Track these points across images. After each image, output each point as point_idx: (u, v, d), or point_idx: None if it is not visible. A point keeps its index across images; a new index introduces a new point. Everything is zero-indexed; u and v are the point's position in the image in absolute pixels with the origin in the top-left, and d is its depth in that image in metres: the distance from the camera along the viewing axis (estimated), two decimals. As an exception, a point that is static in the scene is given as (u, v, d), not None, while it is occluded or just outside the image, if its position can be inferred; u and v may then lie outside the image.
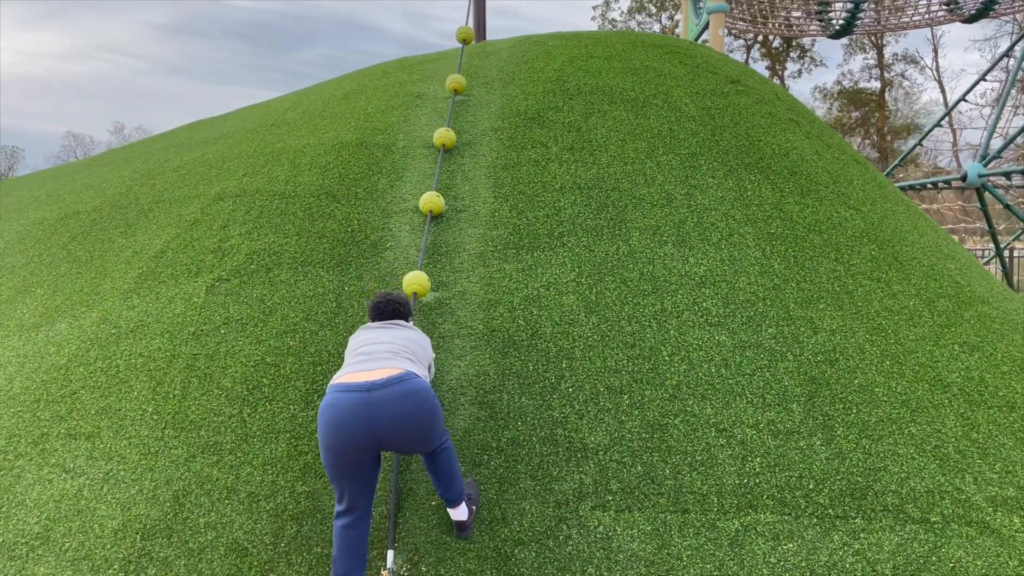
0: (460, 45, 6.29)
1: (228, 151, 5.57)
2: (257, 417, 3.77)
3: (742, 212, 4.74)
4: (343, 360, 3.06)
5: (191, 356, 4.07)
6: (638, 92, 5.53)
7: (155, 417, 3.84)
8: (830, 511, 3.49)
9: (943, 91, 29.09)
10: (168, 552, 3.42)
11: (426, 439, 3.06)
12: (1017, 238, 12.20)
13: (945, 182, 9.08)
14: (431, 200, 4.14)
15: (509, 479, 3.51)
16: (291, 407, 3.78)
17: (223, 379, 3.95)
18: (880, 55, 31.76)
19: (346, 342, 4.03)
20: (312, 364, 3.92)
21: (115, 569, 3.34)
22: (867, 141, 32.62)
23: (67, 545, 3.43)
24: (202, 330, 4.19)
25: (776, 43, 33.06)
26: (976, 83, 10.88)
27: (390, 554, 3.29)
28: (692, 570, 3.28)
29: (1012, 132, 9.80)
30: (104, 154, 7.19)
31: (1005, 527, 3.54)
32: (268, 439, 3.68)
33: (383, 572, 3.26)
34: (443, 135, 4.52)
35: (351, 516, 3.03)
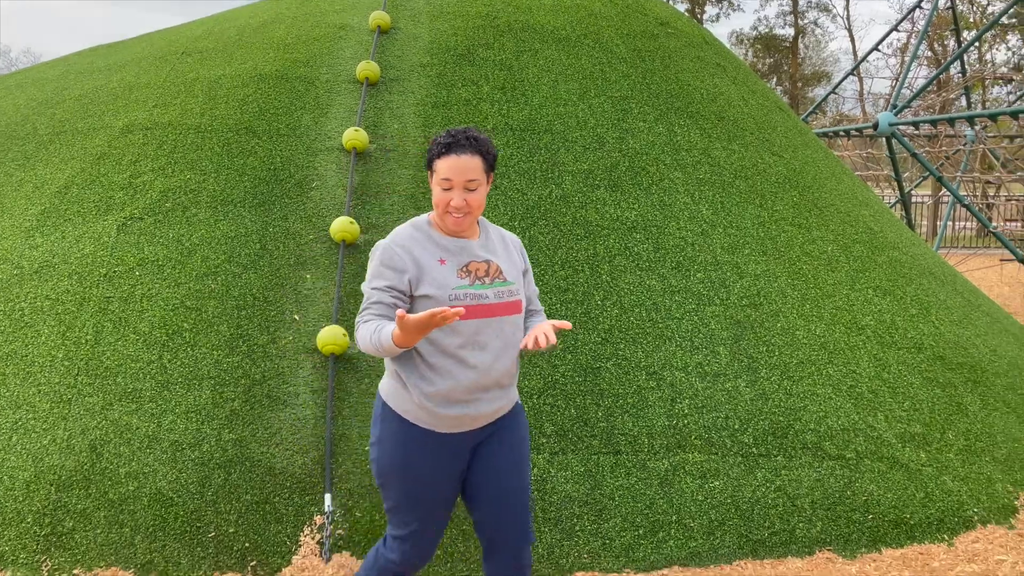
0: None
1: (135, 80, 5.20)
2: (178, 363, 3.61)
3: (672, 157, 4.76)
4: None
5: (103, 299, 3.85)
6: (569, 31, 5.43)
7: (66, 363, 3.64)
8: (754, 450, 3.62)
9: (852, 40, 29.89)
10: (86, 504, 3.28)
11: None
12: (917, 185, 12.78)
13: (857, 130, 9.38)
14: (343, 228, 3.94)
15: (443, 424, 3.50)
16: (215, 352, 3.63)
17: (140, 323, 3.75)
18: (795, 1, 32.28)
19: (271, 285, 3.88)
20: (236, 308, 3.77)
21: (28, 522, 3.19)
22: (780, 88, 33.36)
23: (-26, 500, 3.25)
24: (115, 271, 3.96)
25: (695, -14, 33.13)
26: (888, 33, 11.18)
27: (327, 498, 3.24)
28: (623, 509, 3.36)
29: (919, 83, 10.16)
30: (-7, 79, 6.61)
31: (912, 462, 3.77)
32: (191, 386, 3.54)
33: (317, 517, 3.22)
34: (353, 137, 4.28)
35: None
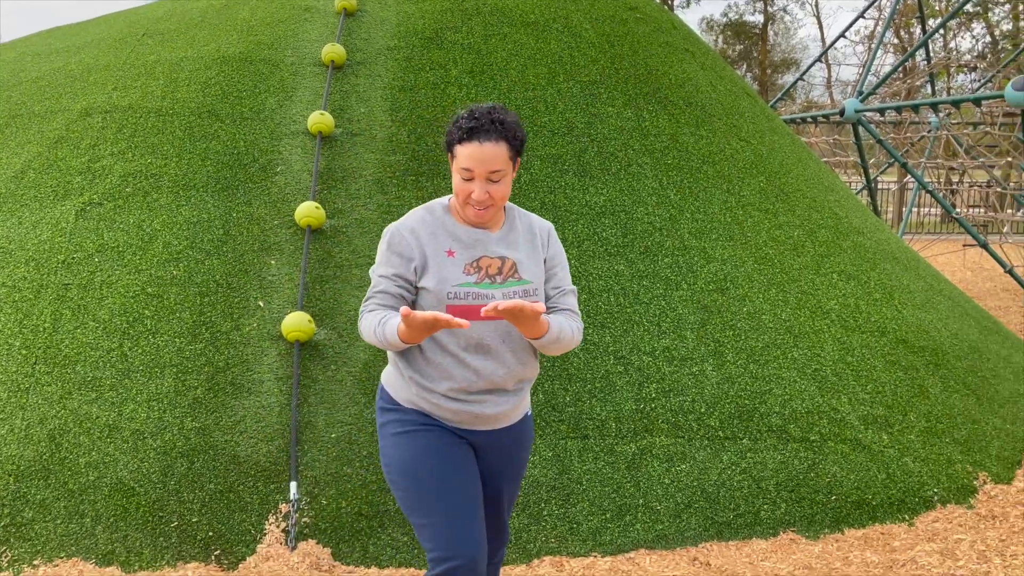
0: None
1: (94, 62, 5.08)
2: (139, 351, 3.55)
3: (640, 142, 4.76)
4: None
5: (62, 286, 3.77)
6: (538, 15, 5.39)
7: (24, 352, 3.56)
8: (720, 433, 3.65)
9: (821, 27, 30.11)
10: (46, 494, 3.22)
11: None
12: (883, 172, 12.95)
13: (824, 116, 9.46)
14: (309, 213, 3.87)
15: (411, 410, 3.47)
16: (177, 340, 3.58)
17: (99, 311, 3.68)
18: (764, -11, 32.41)
19: (235, 271, 3.82)
20: (199, 294, 3.71)
21: (-15, 515, 3.12)
22: (749, 74, 33.55)
23: (-72, 492, 3.17)
24: (73, 258, 3.87)
25: (666, -28, 33.15)
26: (855, 20, 11.28)
27: (292, 486, 3.21)
28: (591, 493, 3.38)
29: (885, 70, 10.27)
30: (-54, 60, 6.42)
31: (875, 443, 3.82)
32: (152, 374, 3.48)
33: (282, 506, 3.19)
34: (319, 121, 4.20)
35: None
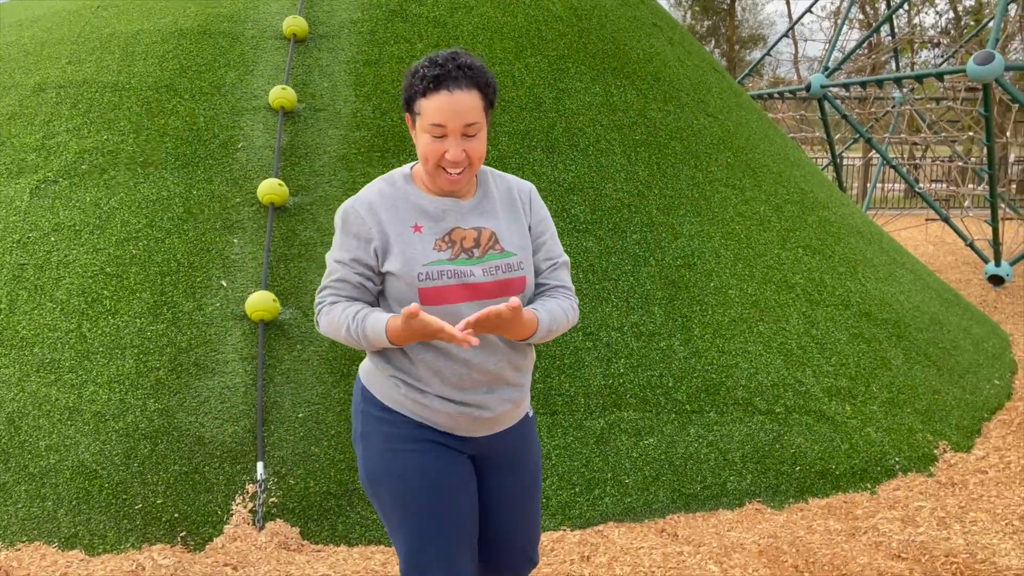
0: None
1: (47, 36, 4.92)
2: (99, 332, 3.48)
3: (608, 118, 4.74)
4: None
5: (17, 266, 3.67)
6: (504, -12, 5.32)
7: (-22, 335, 3.46)
8: (687, 407, 3.68)
9: (788, 2, 30.20)
10: (6, 478, 3.15)
11: None
12: (848, 147, 13.07)
13: (791, 92, 9.50)
14: (272, 190, 3.78)
15: (378, 388, 3.45)
16: (137, 320, 3.51)
17: (56, 291, 3.59)
18: (732, -36, 32.37)
19: (197, 250, 3.75)
20: (159, 274, 3.64)
21: (-58, 501, 3.05)
22: (717, 50, 33.59)
23: None
24: (28, 237, 3.77)
25: (634, -54, 32.92)
26: (820, -4, 11.30)
27: (259, 466, 3.18)
28: (560, 468, 3.39)
29: (851, 46, 10.32)
30: None
31: (838, 415, 3.88)
32: (113, 355, 3.42)
33: (249, 486, 3.16)
34: (281, 96, 4.11)
35: None
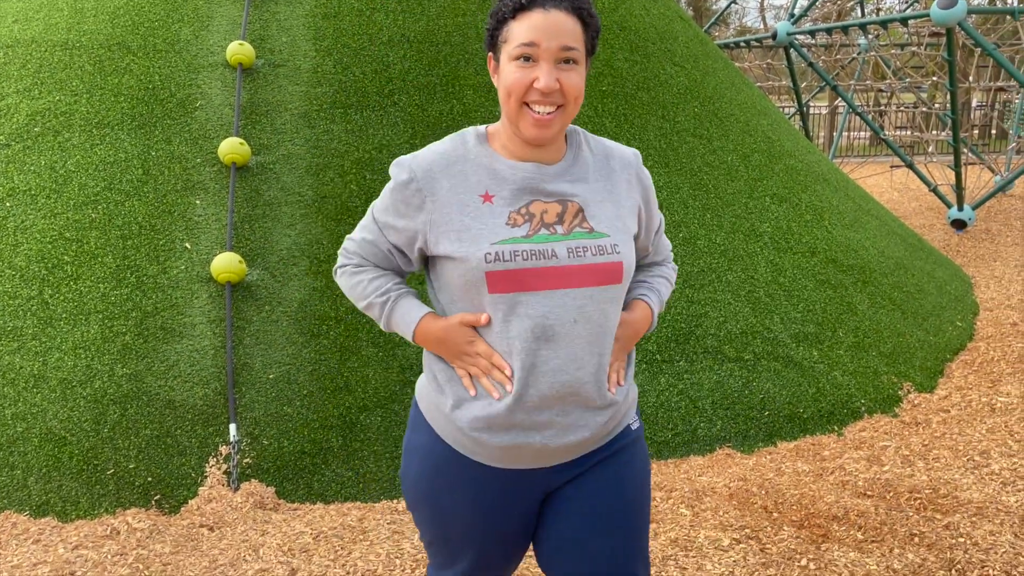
0: None
1: (-10, -8, 4.73)
2: (61, 298, 3.41)
3: (574, 68, 4.69)
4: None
5: (-28, 234, 3.57)
6: (465, -63, 5.20)
7: (-65, 304, 3.38)
8: (657, 356, 3.72)
9: (753, -49, 29.95)
10: (-29, 450, 3.11)
11: None
12: (815, 96, 13.10)
13: (756, 40, 9.47)
14: (233, 149, 3.67)
15: (351, 348, 3.44)
16: (100, 285, 3.44)
17: (15, 258, 3.51)
18: (697, -89, 31.91)
19: (158, 212, 3.67)
20: (120, 238, 3.57)
21: (-93, 473, 3.00)
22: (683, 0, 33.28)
23: None
24: (-18, 204, 3.67)
25: None
26: (786, -58, 11.20)
27: (232, 427, 3.17)
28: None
29: (816, -7, 10.28)
30: None
31: (806, 359, 3.95)
32: (77, 321, 3.36)
33: (223, 448, 3.16)
34: (238, 51, 3.97)
35: None
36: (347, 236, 1.57)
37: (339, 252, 1.58)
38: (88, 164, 3.76)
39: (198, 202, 3.70)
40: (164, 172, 3.76)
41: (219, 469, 3.11)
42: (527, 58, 1.36)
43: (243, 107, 3.97)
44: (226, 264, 3.41)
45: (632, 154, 1.55)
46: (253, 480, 3.11)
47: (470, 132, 1.48)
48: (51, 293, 3.42)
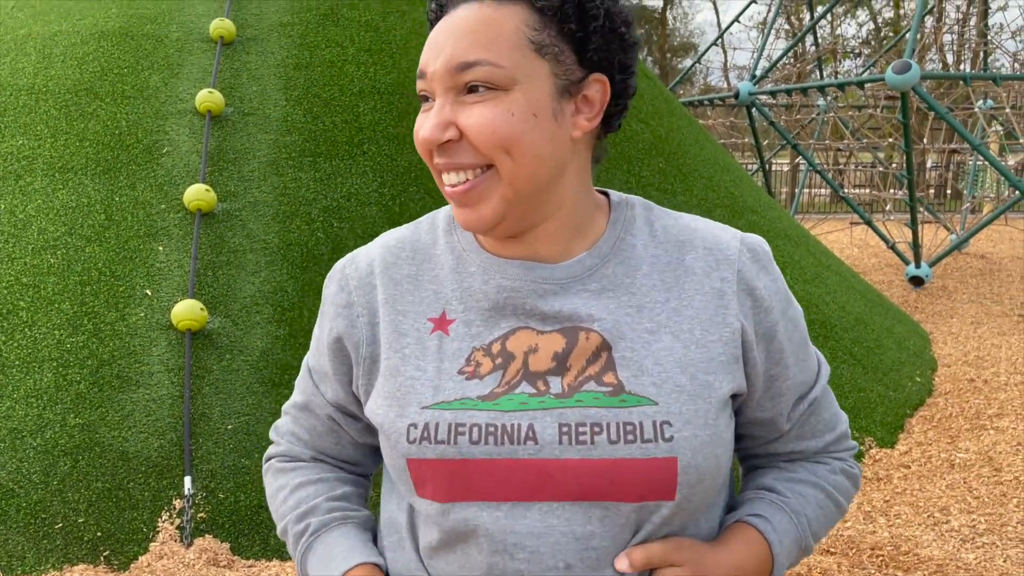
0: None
1: (-44, 35, 4.70)
2: (15, 344, 3.33)
3: (542, 123, 4.77)
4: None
5: (-76, 278, 3.48)
6: (437, -7, 5.32)
7: None
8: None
9: (717, 12, 30.98)
10: (-90, 503, 2.98)
11: None
12: (776, 153, 13.45)
13: (720, 99, 9.73)
14: (198, 196, 3.67)
15: (311, 397, 3.38)
16: (56, 332, 3.37)
17: (-32, 303, 3.42)
18: (663, -26, 33.03)
19: (119, 258, 3.62)
20: (79, 284, 3.50)
21: None
22: (650, 58, 34.23)
23: None
24: (-64, 247, 3.59)
25: (568, -46, 33.29)
26: (747, 6, 11.63)
27: (187, 480, 3.08)
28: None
29: (776, 54, 10.64)
30: None
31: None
32: (30, 369, 3.27)
33: (176, 501, 3.06)
34: (207, 99, 4.00)
35: None
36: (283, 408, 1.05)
37: (270, 433, 1.07)
38: (49, 209, 3.71)
39: (161, 248, 3.66)
40: (127, 218, 3.72)
41: (172, 524, 3.02)
42: (425, 97, 0.82)
43: (211, 154, 3.96)
44: (187, 311, 3.36)
45: (733, 240, 0.89)
46: (207, 535, 3.02)
47: (442, 213, 0.95)
48: (4, 339, 3.33)
